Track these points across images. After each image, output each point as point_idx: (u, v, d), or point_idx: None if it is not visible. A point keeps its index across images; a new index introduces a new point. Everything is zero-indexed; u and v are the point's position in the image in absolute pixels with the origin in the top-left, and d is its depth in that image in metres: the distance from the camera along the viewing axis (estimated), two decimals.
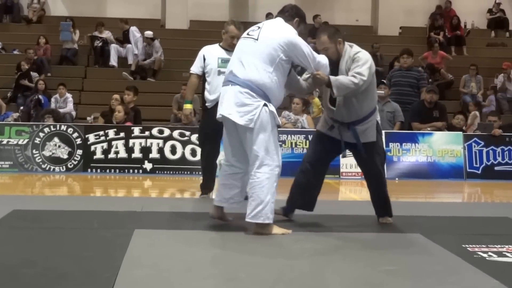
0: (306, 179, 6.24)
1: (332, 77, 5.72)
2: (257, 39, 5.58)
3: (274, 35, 5.58)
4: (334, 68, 5.86)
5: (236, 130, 5.59)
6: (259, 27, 5.70)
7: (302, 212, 6.39)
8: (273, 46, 5.52)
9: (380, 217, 6.43)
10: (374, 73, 5.98)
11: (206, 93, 7.78)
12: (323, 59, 5.75)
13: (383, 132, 11.49)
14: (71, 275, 4.24)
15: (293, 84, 5.93)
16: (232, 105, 5.49)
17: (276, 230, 5.65)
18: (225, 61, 7.46)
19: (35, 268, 4.36)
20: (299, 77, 6.04)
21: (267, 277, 4.27)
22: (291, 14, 5.85)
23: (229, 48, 7.61)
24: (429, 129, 12.09)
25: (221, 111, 5.58)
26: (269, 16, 18.06)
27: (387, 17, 20.23)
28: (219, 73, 7.59)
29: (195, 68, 7.82)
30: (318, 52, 5.88)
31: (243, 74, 5.51)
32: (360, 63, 5.81)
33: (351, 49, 5.95)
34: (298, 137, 11.37)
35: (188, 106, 8.06)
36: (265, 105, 5.48)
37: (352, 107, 5.97)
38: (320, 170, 6.32)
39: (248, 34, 5.72)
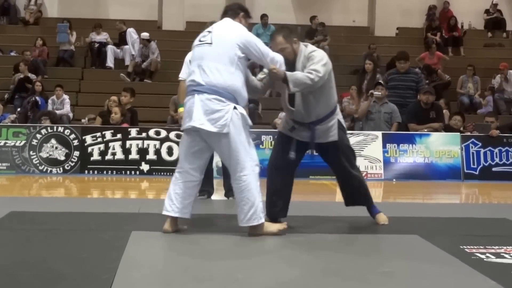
0: (273, 185, 6.07)
1: (288, 73, 5.66)
2: (211, 43, 5.50)
3: (228, 35, 5.52)
4: (291, 68, 5.79)
5: (202, 139, 5.52)
6: (209, 32, 5.61)
7: (299, 214, 6.38)
8: (229, 46, 5.47)
9: (376, 214, 6.40)
10: (332, 71, 5.91)
11: None
12: (277, 56, 5.69)
13: (380, 133, 11.65)
14: (68, 276, 4.23)
15: (247, 84, 5.78)
16: (201, 115, 5.39)
17: (271, 227, 5.65)
18: None
19: (32, 270, 4.35)
20: (253, 77, 5.99)
21: (265, 279, 4.27)
22: (234, 11, 5.80)
23: None
24: (425, 130, 12.09)
25: (191, 123, 5.44)
26: (264, 17, 18.09)
27: (383, 18, 20.23)
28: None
29: (183, 74, 7.87)
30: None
31: (206, 80, 5.42)
32: (315, 60, 5.77)
33: (306, 49, 5.93)
34: None
35: (182, 110, 8.07)
36: (234, 107, 5.45)
37: (311, 107, 5.92)
38: (287, 174, 6.19)
39: (200, 40, 5.63)
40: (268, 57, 5.61)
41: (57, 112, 13.90)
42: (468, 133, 12.42)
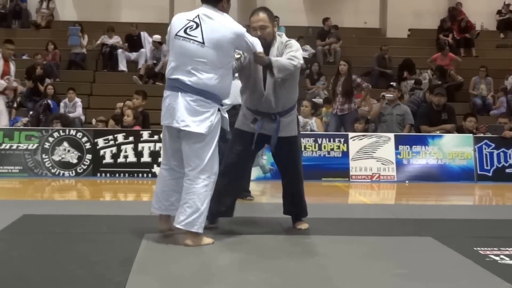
0: (223, 183, 5.77)
1: (272, 58, 5.59)
2: (203, 43, 5.21)
3: (222, 36, 5.25)
4: (265, 52, 5.66)
5: (179, 136, 5.36)
6: (197, 24, 5.28)
7: (312, 216, 6.36)
8: (224, 49, 5.27)
9: (297, 221, 6.20)
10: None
11: None
12: (259, 43, 5.56)
13: (392, 135, 11.61)
14: (81, 279, 4.24)
15: None
16: (186, 116, 5.20)
17: (206, 240, 5.39)
18: None
19: (45, 273, 4.36)
20: None
21: (277, 281, 4.26)
22: None
23: None
24: (438, 132, 12.04)
25: (174, 124, 5.25)
26: (276, 19, 18.04)
27: (395, 19, 20.18)
28: (233, 77, 7.65)
29: None
30: (249, 32, 5.66)
31: (193, 81, 5.21)
32: (293, 48, 5.74)
33: (281, 37, 5.88)
34: (308, 141, 11.34)
35: None
36: (218, 109, 5.35)
37: (280, 95, 5.79)
38: (240, 172, 6.09)
39: (186, 33, 5.28)
40: (257, 46, 5.50)
41: (69, 115, 13.93)
42: (481, 135, 12.36)
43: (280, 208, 6.26)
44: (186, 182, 5.30)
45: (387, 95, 12.15)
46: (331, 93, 12.48)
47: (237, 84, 7.90)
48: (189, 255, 5.00)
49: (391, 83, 13.03)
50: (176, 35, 5.32)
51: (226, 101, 7.89)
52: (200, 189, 5.25)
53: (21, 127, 12.83)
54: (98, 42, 17.89)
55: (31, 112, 14.57)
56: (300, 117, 11.63)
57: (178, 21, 5.39)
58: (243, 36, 5.37)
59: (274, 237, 5.78)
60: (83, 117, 14.69)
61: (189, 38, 5.27)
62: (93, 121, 13.81)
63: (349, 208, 8.56)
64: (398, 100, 12.42)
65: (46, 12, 19.53)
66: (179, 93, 5.23)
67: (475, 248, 5.25)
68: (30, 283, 4.13)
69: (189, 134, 5.24)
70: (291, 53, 5.69)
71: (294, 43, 5.84)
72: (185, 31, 5.30)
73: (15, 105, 13.29)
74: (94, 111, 15.27)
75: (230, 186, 5.95)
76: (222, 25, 5.31)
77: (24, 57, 17.70)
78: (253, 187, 8.76)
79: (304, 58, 18.10)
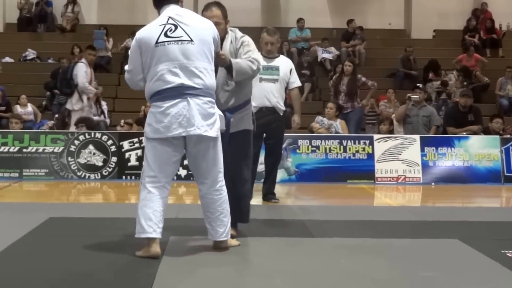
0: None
1: (233, 60, 5.41)
2: (192, 40, 4.99)
3: (203, 31, 5.08)
4: None
5: (183, 147, 5.08)
6: (175, 25, 5.03)
7: (337, 218, 6.33)
8: (208, 43, 5.07)
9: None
10: None
11: None
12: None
13: (418, 137, 11.54)
14: (107, 282, 4.25)
15: None
16: (201, 121, 4.94)
17: (233, 242, 5.34)
18: (265, 69, 7.82)
19: (71, 276, 4.38)
20: None
21: (303, 284, 4.25)
22: None
23: (267, 55, 8.03)
24: (464, 133, 11.96)
25: (194, 131, 4.93)
26: (300, 21, 18.07)
27: (420, 20, 20.05)
28: (261, 80, 7.82)
29: None
30: None
31: (200, 82, 4.98)
32: (251, 48, 5.53)
33: (234, 32, 5.65)
34: (332, 143, 11.29)
35: None
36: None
37: (231, 93, 5.54)
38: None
39: (168, 36, 5.00)
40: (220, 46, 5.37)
41: (95, 118, 13.99)
42: (508, 136, 12.25)
43: (307, 210, 6.25)
44: (214, 194, 5.10)
45: (413, 96, 12.08)
46: (333, 92, 12.41)
47: (263, 87, 7.95)
48: (215, 257, 4.99)
49: (417, 84, 12.97)
50: (157, 43, 4.98)
51: (252, 103, 7.94)
52: (226, 195, 5.17)
53: (47, 130, 12.92)
54: (123, 45, 17.98)
55: (56, 115, 14.65)
56: (325, 119, 11.61)
57: (149, 32, 5.08)
58: (216, 32, 5.21)
59: (300, 240, 5.77)
60: (108, 120, 14.75)
61: (175, 40, 5.00)
62: (121, 121, 13.86)
63: (375, 210, 8.52)
64: (424, 101, 12.36)
65: (71, 16, 19.65)
66: (188, 98, 4.93)
67: (502, 251, 5.21)
68: (56, 285, 4.15)
69: (206, 140, 5.02)
70: (252, 55, 5.49)
71: (250, 41, 5.59)
72: (165, 35, 5.01)
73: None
74: (119, 114, 15.33)
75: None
76: (199, 21, 5.16)
77: (50, 61, 17.83)
78: (278, 189, 8.75)
79: (329, 60, 18.05)
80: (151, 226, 4.94)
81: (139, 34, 5.13)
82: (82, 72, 11.78)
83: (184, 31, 5.01)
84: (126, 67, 5.25)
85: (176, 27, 5.02)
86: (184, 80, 4.94)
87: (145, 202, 5.00)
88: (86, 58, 12.20)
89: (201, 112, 4.95)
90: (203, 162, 5.09)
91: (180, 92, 4.94)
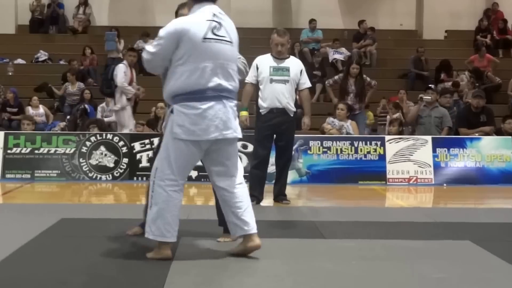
0: None
1: None
2: (232, 42, 5.03)
3: (236, 34, 5.13)
4: None
5: (209, 148, 4.99)
6: (219, 23, 4.98)
7: (349, 219, 6.32)
8: (237, 46, 5.15)
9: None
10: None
11: (260, 101, 8.12)
12: None
13: (429, 138, 11.50)
14: (118, 283, 4.26)
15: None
16: (234, 123, 5.01)
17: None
18: (276, 70, 7.99)
19: (82, 276, 4.39)
20: None
21: (314, 284, 4.24)
22: None
23: (278, 56, 8.07)
24: (476, 134, 11.92)
25: (231, 134, 4.95)
26: (312, 22, 18.07)
27: (432, 21, 19.98)
28: (271, 81, 7.95)
29: (249, 78, 8.00)
30: None
31: (233, 85, 5.02)
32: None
33: None
34: (344, 143, 11.27)
35: (243, 113, 8.11)
36: None
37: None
38: None
39: (215, 34, 4.93)
40: None
41: (107, 119, 14.03)
42: None
43: (318, 211, 6.25)
44: (241, 186, 5.10)
45: (425, 97, 12.04)
46: (339, 93, 12.33)
47: (274, 88, 7.95)
48: (226, 258, 4.99)
49: (429, 85, 12.94)
50: (205, 38, 4.87)
51: (263, 104, 8.03)
52: (246, 191, 5.20)
53: (59, 131, 12.97)
54: (134, 47, 18.00)
55: (68, 117, 14.71)
56: (336, 120, 11.59)
57: (197, 24, 4.91)
58: None
59: (311, 241, 5.76)
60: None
61: (221, 39, 4.95)
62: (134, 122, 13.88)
63: (386, 211, 8.50)
64: (436, 102, 12.32)
65: (82, 18, 19.71)
66: (224, 101, 4.93)
67: None
68: (68, 286, 4.16)
69: (233, 141, 5.07)
70: (242, 59, 5.56)
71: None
72: (213, 33, 4.93)
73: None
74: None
75: None
76: (231, 23, 5.15)
77: (61, 62, 17.89)
78: (289, 190, 8.74)
79: (340, 60, 18.01)
80: (169, 230, 4.90)
81: (182, 25, 4.94)
82: (121, 72, 11.85)
83: (227, 31, 5.01)
84: (150, 48, 5.05)
85: (220, 25, 4.98)
86: (222, 81, 4.92)
87: (164, 206, 4.89)
88: (126, 59, 12.30)
89: (234, 115, 5.02)
90: (229, 160, 5.08)
91: (217, 94, 4.90)
